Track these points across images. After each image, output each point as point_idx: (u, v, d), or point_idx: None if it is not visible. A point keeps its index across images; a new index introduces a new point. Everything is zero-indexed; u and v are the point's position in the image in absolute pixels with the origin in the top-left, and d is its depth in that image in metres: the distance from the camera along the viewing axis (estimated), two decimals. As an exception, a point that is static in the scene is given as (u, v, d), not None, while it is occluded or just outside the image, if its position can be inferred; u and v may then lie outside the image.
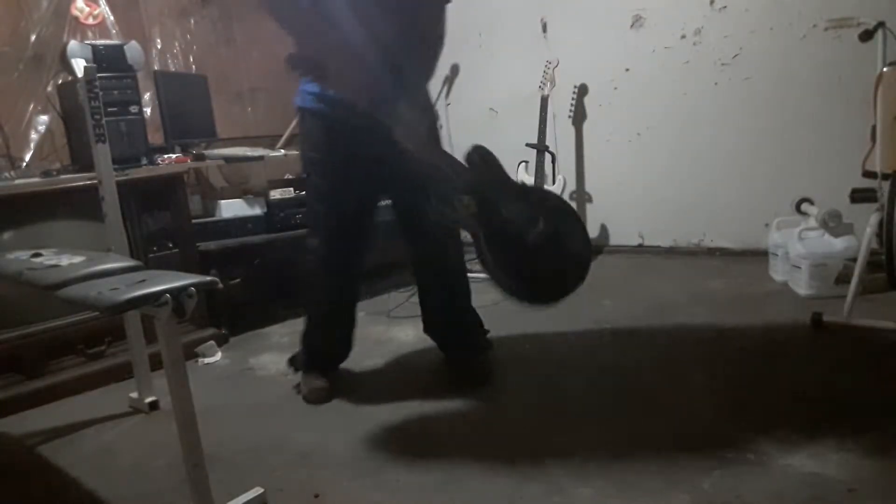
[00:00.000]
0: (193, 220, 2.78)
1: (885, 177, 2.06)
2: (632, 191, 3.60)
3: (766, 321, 2.36)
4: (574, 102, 3.66)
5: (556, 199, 2.04)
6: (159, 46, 3.54)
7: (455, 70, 4.14)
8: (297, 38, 1.87)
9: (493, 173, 1.87)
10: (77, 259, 1.69)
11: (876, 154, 2.07)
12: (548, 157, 3.48)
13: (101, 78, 2.19)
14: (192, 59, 3.64)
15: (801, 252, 2.54)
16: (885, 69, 2.05)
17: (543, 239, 1.80)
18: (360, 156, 1.95)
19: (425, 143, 1.87)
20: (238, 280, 2.80)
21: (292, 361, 2.27)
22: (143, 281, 1.41)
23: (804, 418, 1.65)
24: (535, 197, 2.05)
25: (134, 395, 2.15)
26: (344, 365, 2.28)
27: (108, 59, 2.58)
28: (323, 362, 2.19)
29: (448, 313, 2.25)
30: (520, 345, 2.43)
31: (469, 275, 2.20)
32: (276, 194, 3.16)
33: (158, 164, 2.79)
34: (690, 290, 2.80)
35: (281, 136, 3.53)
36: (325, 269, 2.09)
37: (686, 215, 3.44)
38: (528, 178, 3.50)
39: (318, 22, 1.74)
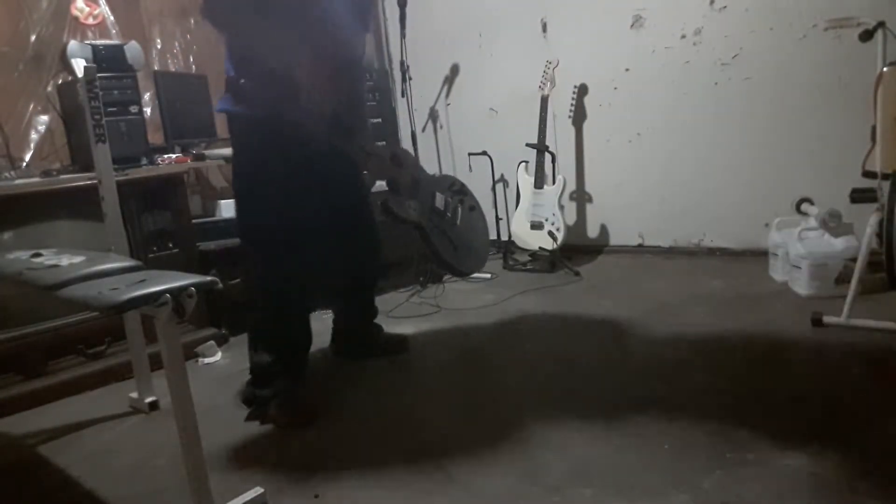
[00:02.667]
0: (193, 220, 2.78)
1: (885, 177, 2.05)
2: (632, 191, 3.60)
3: (766, 321, 2.35)
4: (574, 102, 3.66)
5: (456, 180, 2.44)
6: (159, 46, 3.54)
7: (455, 70, 4.14)
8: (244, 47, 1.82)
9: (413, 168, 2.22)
10: (77, 259, 1.69)
11: (876, 154, 2.06)
12: (548, 157, 3.48)
13: (101, 78, 2.20)
14: (192, 59, 3.64)
15: (801, 252, 2.54)
16: (885, 69, 2.05)
17: (471, 212, 2.35)
18: (309, 161, 1.89)
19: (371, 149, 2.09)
20: (238, 280, 2.80)
21: (248, 400, 2.03)
22: (143, 281, 1.41)
23: (804, 418, 1.65)
24: (448, 182, 2.43)
25: (134, 395, 2.15)
26: (343, 364, 2.28)
27: (108, 59, 2.59)
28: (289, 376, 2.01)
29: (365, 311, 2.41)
30: (520, 344, 2.44)
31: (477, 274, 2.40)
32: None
33: (158, 164, 2.79)
34: (690, 290, 2.80)
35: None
36: (283, 282, 1.96)
37: (686, 215, 3.44)
38: (529, 178, 3.50)
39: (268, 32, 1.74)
